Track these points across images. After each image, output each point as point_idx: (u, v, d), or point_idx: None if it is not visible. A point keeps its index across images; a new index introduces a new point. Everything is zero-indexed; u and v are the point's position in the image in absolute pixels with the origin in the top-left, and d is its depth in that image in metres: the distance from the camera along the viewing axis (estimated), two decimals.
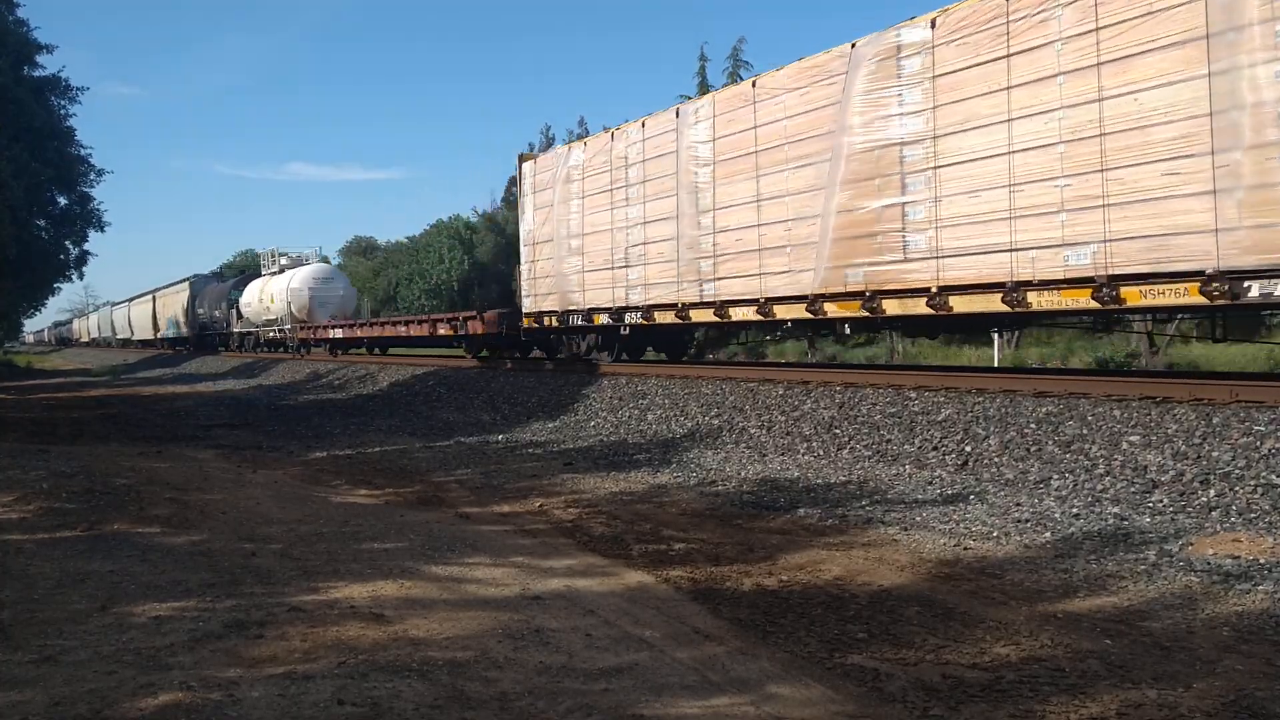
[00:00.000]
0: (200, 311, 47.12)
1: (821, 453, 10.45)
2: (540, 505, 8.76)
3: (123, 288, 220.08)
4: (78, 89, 21.50)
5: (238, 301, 40.57)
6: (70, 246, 23.27)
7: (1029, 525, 7.07)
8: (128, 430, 16.21)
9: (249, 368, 33.74)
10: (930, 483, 8.74)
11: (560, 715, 3.93)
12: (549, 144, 61.94)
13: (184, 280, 51.58)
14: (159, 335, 57.62)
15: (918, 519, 7.53)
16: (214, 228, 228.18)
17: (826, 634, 5.01)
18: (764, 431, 11.56)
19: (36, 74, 20.56)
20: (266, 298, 36.63)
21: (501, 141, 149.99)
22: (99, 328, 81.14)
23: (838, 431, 10.75)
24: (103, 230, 23.40)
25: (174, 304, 52.83)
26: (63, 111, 21.37)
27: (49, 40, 20.57)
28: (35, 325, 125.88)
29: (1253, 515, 6.77)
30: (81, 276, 29.21)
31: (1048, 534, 6.83)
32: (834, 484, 9.06)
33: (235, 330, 41.59)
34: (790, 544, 6.97)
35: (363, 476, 10.82)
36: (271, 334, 36.79)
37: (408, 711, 3.90)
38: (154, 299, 58.51)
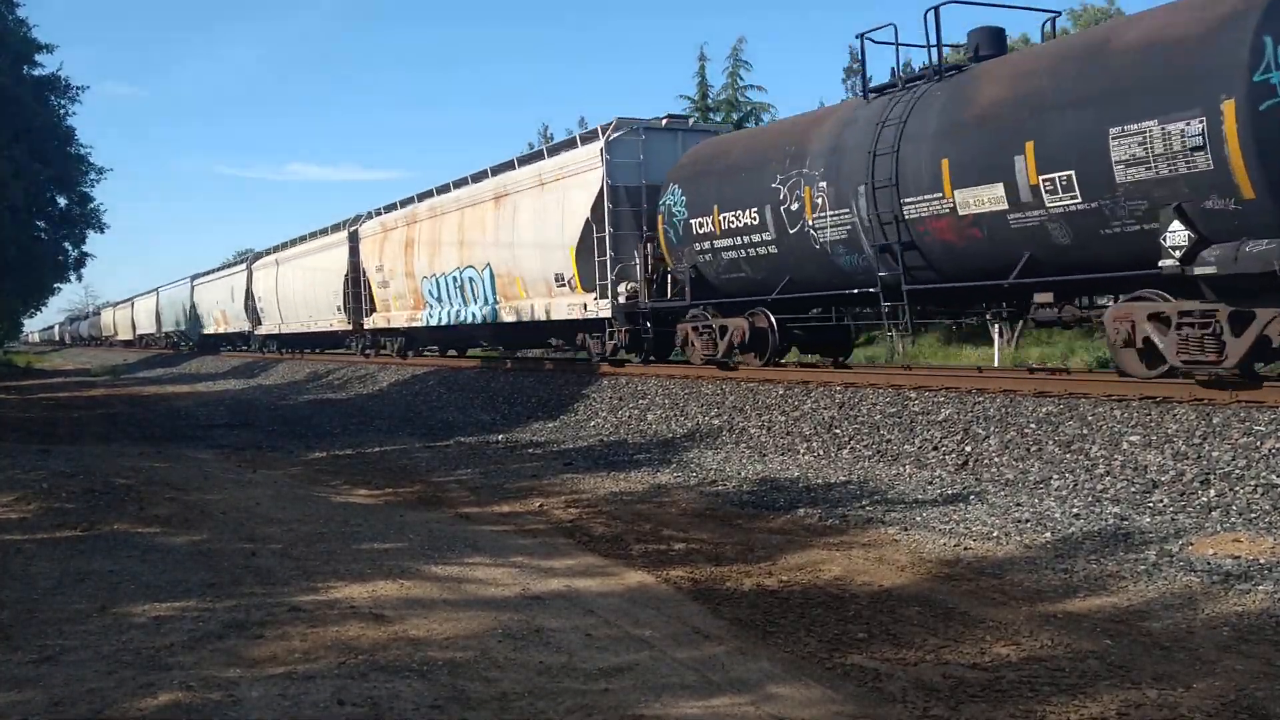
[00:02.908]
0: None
1: (821, 453, 10.45)
2: (540, 505, 8.76)
3: (122, 288, 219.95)
4: (78, 89, 21.50)
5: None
6: (69, 248, 23.27)
7: (1029, 525, 7.07)
8: (128, 430, 16.21)
9: (249, 367, 33.74)
10: (930, 483, 8.73)
11: (560, 715, 3.93)
12: (548, 142, 60.00)
13: (489, 172, 19.60)
14: (337, 325, 26.78)
15: (918, 519, 7.52)
16: (214, 228, 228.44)
17: (826, 634, 5.01)
18: (764, 431, 11.56)
19: (36, 73, 20.53)
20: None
21: (500, 141, 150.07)
22: (156, 319, 53.97)
23: (838, 431, 10.75)
24: (102, 231, 23.42)
25: (420, 244, 21.90)
26: (63, 111, 21.36)
27: (49, 40, 20.54)
28: (44, 322, 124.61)
29: (1253, 515, 6.76)
30: (80, 278, 29.05)
31: (1048, 534, 6.82)
32: (834, 484, 9.06)
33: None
34: (790, 544, 6.97)
35: (363, 476, 10.82)
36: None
37: (408, 711, 3.90)
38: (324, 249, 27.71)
